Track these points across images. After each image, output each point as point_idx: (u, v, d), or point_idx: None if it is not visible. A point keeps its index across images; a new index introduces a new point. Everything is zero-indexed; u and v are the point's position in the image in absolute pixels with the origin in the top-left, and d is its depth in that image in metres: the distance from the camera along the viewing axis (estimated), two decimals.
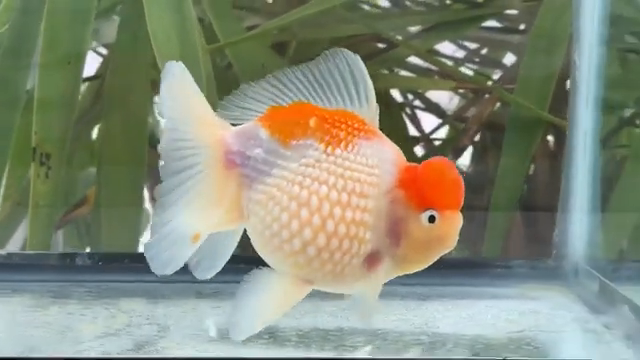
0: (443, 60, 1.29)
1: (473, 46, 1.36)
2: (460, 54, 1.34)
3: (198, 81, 1.02)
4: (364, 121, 0.62)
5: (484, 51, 1.37)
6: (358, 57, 0.62)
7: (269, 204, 0.61)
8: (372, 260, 0.61)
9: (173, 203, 0.62)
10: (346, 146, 0.61)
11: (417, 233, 0.60)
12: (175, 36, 1.03)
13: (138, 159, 1.10)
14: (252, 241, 0.64)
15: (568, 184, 0.99)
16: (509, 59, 1.33)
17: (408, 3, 1.34)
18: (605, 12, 0.96)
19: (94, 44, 1.22)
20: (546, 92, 1.11)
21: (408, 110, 1.36)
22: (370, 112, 0.62)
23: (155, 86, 1.02)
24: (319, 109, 0.62)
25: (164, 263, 0.62)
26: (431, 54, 1.26)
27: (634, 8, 0.94)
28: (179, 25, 1.03)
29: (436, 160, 0.60)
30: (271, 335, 0.79)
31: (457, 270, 0.94)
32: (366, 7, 1.33)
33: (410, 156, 1.28)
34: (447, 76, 1.26)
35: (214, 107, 0.65)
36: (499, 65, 1.36)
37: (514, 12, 1.31)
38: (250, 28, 1.21)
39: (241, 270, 0.93)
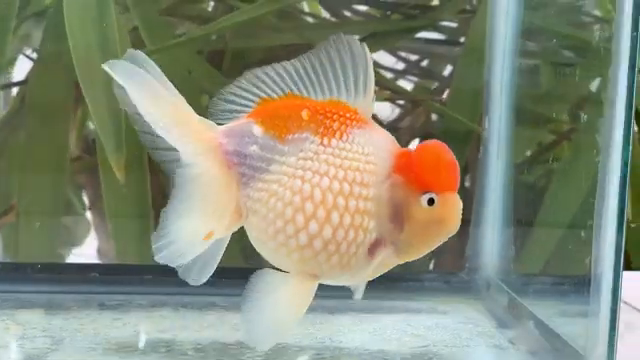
0: (382, 72, 1.28)
1: (414, 58, 1.35)
2: (400, 66, 1.33)
3: None
4: (356, 110, 0.61)
5: (424, 63, 1.37)
6: (364, 45, 0.61)
7: (271, 200, 0.61)
8: (375, 248, 0.61)
9: (184, 211, 0.60)
10: (341, 136, 0.61)
11: (418, 216, 0.60)
12: (96, 44, 1.01)
13: (59, 167, 1.08)
14: (252, 240, 0.63)
15: (482, 197, 0.97)
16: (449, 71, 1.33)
17: (347, 13, 1.33)
18: (519, 23, 0.95)
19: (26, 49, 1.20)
20: (477, 104, 1.10)
21: None
22: (366, 101, 0.61)
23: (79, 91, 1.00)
24: (309, 101, 0.61)
25: (173, 256, 0.61)
26: None
27: (551, 19, 0.93)
28: (100, 33, 1.01)
29: (431, 143, 0.60)
30: (168, 348, 0.77)
31: (368, 283, 0.92)
32: (305, 17, 1.32)
33: None
34: (383, 87, 1.25)
35: None
36: (438, 77, 1.35)
37: (454, 24, 1.30)
38: (181, 36, 1.19)
39: (146, 282, 0.93)
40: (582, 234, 0.75)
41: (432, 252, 0.62)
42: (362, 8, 1.31)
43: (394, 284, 0.93)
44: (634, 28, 0.68)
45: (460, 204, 0.60)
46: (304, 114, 0.61)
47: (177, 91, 0.63)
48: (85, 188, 1.26)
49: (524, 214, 0.92)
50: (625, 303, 0.92)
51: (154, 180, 1.11)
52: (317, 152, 0.60)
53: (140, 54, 0.62)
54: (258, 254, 1.10)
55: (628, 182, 0.69)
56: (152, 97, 0.61)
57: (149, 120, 0.61)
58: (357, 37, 0.63)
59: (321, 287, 0.63)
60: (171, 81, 1.10)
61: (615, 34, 0.70)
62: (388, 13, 1.31)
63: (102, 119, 0.98)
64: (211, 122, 0.63)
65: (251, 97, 0.63)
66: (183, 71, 1.13)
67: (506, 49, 0.95)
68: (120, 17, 1.08)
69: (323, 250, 0.60)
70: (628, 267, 1.25)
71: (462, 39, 1.29)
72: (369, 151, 0.61)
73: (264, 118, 0.62)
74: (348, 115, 0.61)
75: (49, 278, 0.93)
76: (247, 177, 0.61)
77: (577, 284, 0.73)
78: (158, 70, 0.62)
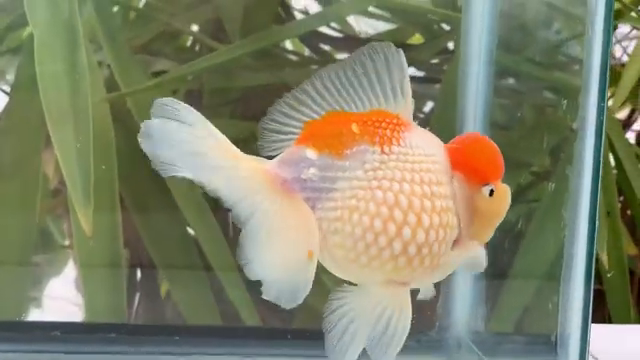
0: None
1: None
2: None
3: (86, 134, 1.01)
4: (398, 115, 0.60)
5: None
6: (399, 50, 0.60)
7: (354, 216, 0.59)
8: (457, 243, 0.62)
9: (271, 250, 0.59)
10: (398, 142, 0.60)
11: (483, 208, 0.61)
12: (66, 85, 0.99)
13: (28, 207, 1.05)
14: (333, 261, 0.61)
15: None
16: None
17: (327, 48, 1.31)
18: (491, 64, 0.92)
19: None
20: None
21: None
22: (406, 105, 0.61)
23: None
24: (353, 114, 0.60)
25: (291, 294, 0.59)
26: None
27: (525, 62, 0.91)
28: (70, 73, 0.99)
29: (475, 136, 0.62)
30: None
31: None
32: (288, 55, 1.30)
33: None
34: None
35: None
36: (417, 115, 1.33)
37: (436, 60, 1.29)
38: (158, 74, 1.17)
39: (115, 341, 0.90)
40: (553, 288, 0.73)
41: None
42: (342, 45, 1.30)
43: None
44: (603, 69, 0.67)
45: (509, 191, 0.62)
46: (354, 127, 0.60)
47: (217, 130, 0.61)
48: (64, 220, 1.24)
49: (497, 265, 0.89)
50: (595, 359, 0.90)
51: (128, 224, 1.10)
52: (383, 161, 0.60)
53: (169, 102, 0.59)
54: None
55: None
56: (194, 145, 0.59)
57: (194, 170, 0.59)
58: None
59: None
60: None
61: (585, 73, 0.69)
62: None
63: (70, 169, 0.96)
64: (259, 157, 0.61)
65: (295, 123, 0.61)
66: None
67: (479, 88, 0.93)
68: (93, 56, 1.06)
69: (417, 255, 0.60)
70: (607, 318, 1.23)
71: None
72: (430, 152, 0.61)
73: (314, 141, 0.60)
74: (395, 121, 0.60)
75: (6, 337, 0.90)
76: (312, 201, 0.60)
77: (546, 343, 0.70)
78: (195, 113, 0.60)
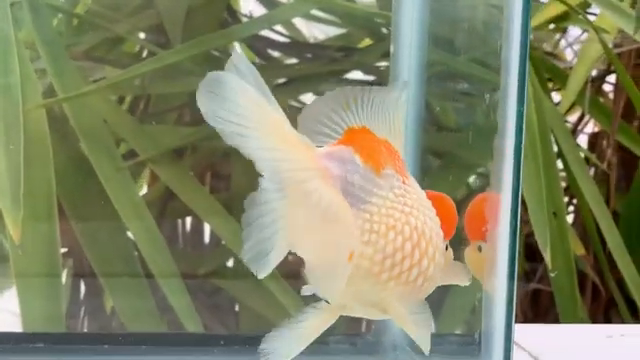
0: None
1: None
2: None
3: (17, 140, 0.99)
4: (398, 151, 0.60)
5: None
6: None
7: (390, 233, 0.58)
8: None
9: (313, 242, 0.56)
10: (406, 176, 0.60)
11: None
12: None
13: None
14: (357, 269, 0.57)
15: None
16: None
17: (277, 55, 1.29)
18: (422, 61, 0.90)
19: None
20: None
21: None
22: (398, 143, 0.60)
23: None
24: (379, 137, 0.59)
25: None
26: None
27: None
28: (1, 80, 0.97)
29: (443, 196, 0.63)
30: None
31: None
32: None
33: None
34: None
35: None
36: None
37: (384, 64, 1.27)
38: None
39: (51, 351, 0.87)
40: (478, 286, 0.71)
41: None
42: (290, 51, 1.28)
43: None
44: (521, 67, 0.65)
45: None
46: (384, 149, 0.59)
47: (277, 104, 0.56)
48: None
49: None
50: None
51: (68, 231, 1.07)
52: (406, 190, 0.59)
53: (243, 60, 0.54)
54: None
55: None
56: (259, 113, 0.53)
57: (251, 138, 0.53)
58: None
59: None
60: (83, 130, 1.08)
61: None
62: (309, 56, 1.28)
63: None
64: (309, 140, 0.56)
65: (341, 123, 0.59)
66: (97, 120, 1.09)
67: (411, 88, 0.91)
68: (29, 64, 1.04)
69: (421, 286, 0.60)
70: (554, 317, 1.22)
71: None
72: (423, 196, 0.61)
73: (358, 148, 0.58)
74: (398, 156, 0.60)
75: None
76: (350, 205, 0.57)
77: (474, 343, 0.68)
78: (261, 80, 0.54)
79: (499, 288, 0.64)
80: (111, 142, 1.09)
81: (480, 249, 0.66)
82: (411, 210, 0.59)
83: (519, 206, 0.64)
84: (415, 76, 0.89)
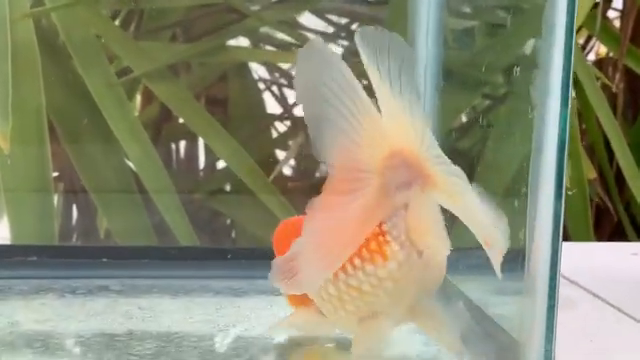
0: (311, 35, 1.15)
1: (343, 21, 1.23)
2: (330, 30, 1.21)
3: (3, 49, 0.89)
4: None
5: (354, 26, 1.24)
6: None
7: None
8: None
9: None
10: None
11: None
12: None
13: None
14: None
15: None
16: None
17: None
18: None
19: None
20: None
21: (275, 88, 1.24)
22: None
23: None
24: None
25: None
26: (290, 27, 1.13)
27: None
28: None
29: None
30: (43, 343, 0.63)
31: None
32: None
33: (267, 133, 1.15)
34: None
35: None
36: None
37: None
38: None
39: (29, 264, 0.79)
40: (516, 203, 0.62)
41: None
42: None
43: None
44: None
45: None
46: None
47: None
48: None
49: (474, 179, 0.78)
50: (563, 277, 0.81)
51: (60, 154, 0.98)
52: None
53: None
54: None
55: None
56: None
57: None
58: None
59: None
60: (74, 45, 0.99)
61: None
62: None
63: None
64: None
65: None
66: (89, 34, 0.99)
67: (431, 8, 0.82)
68: None
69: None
70: (565, 238, 1.15)
71: None
72: None
73: None
74: None
75: None
76: None
77: (511, 259, 0.60)
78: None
79: (545, 203, 0.56)
80: (104, 58, 0.99)
81: None
82: None
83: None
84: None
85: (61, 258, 0.77)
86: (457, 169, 0.54)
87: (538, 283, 0.57)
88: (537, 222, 0.57)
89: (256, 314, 0.70)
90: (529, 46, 0.60)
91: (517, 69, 0.65)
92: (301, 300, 0.62)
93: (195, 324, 0.68)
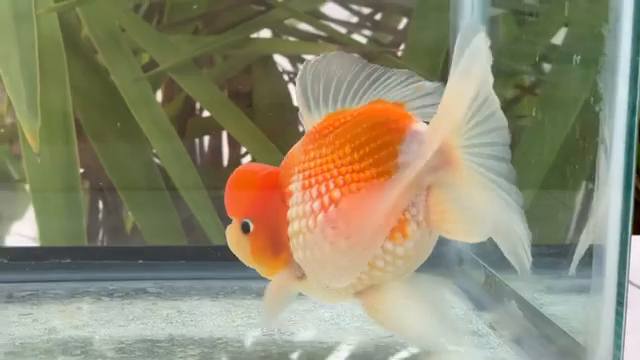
0: (335, 26, 1.12)
1: (367, 11, 1.20)
2: (354, 20, 1.18)
3: (30, 45, 0.86)
4: None
5: (378, 16, 1.21)
6: None
7: None
8: None
9: None
10: None
11: None
12: None
13: None
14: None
15: None
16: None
17: None
18: None
19: None
20: (436, 57, 0.96)
21: None
22: None
23: None
24: None
25: None
26: (315, 18, 1.09)
27: None
28: None
29: None
30: (83, 350, 0.60)
31: None
32: None
33: (294, 126, 1.11)
34: (337, 42, 1.09)
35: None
36: (393, 31, 1.19)
37: None
38: None
39: (64, 267, 0.76)
40: (577, 196, 0.59)
41: None
42: None
43: None
44: None
45: None
46: None
47: None
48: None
49: None
50: None
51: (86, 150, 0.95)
52: None
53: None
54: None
55: None
56: None
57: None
58: None
59: None
60: (99, 39, 0.95)
61: None
62: None
63: (14, 81, 0.81)
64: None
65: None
66: (114, 27, 0.96)
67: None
68: None
69: None
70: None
71: None
72: None
73: None
74: None
75: None
76: None
77: (568, 255, 0.57)
78: None
79: (612, 195, 0.52)
80: (129, 52, 0.96)
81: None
82: None
83: None
84: None
85: (95, 260, 0.74)
86: (495, 164, 0.51)
87: (605, 282, 0.54)
88: (601, 215, 0.53)
89: (301, 316, 0.67)
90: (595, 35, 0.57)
91: (577, 58, 0.61)
92: (273, 265, 0.57)
93: (239, 328, 0.64)
